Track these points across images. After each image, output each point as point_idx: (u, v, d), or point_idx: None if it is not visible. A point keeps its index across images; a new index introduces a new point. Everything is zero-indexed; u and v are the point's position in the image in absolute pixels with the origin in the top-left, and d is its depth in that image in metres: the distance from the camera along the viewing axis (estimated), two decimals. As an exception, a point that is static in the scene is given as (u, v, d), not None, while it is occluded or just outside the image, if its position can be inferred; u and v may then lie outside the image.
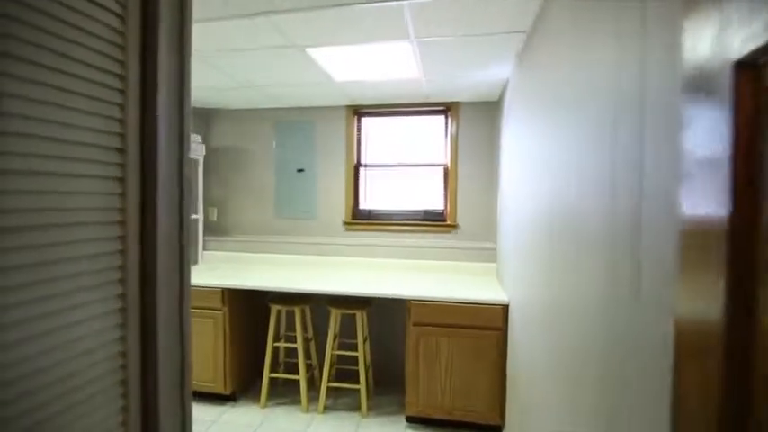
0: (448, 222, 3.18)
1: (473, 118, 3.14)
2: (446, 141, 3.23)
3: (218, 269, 3.21)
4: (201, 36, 1.95)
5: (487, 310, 2.37)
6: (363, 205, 3.36)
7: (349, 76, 2.55)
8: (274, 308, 2.78)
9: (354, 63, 2.32)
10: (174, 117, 0.83)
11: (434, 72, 2.47)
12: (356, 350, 2.72)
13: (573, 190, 1.13)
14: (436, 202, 3.25)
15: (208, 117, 3.58)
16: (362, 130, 3.35)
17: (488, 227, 3.12)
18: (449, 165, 3.19)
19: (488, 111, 3.11)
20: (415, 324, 2.46)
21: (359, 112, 3.31)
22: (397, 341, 3.13)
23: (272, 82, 2.71)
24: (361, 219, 3.33)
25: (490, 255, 3.06)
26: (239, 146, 3.54)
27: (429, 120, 3.27)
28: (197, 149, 3.25)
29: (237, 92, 2.96)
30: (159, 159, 0.78)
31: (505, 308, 2.36)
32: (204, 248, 3.51)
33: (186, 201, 0.87)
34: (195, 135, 3.23)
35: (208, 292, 2.73)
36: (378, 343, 3.16)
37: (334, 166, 3.35)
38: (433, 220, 3.22)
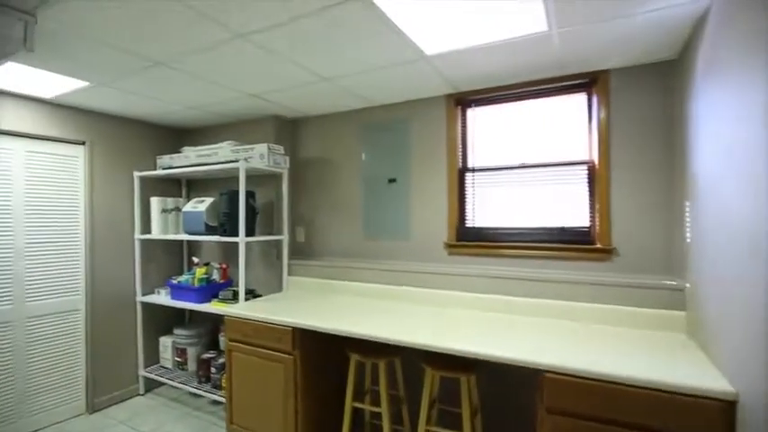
0: (598, 245, 2.17)
1: (633, 91, 2.11)
2: (590, 129, 2.25)
3: (300, 300, 2.75)
4: (262, 14, 1.47)
5: (690, 406, 1.35)
6: (471, 222, 2.56)
7: (443, 44, 1.84)
8: (354, 358, 2.15)
9: (448, 20, 1.60)
10: None
11: (572, 17, 1.59)
12: (461, 428, 1.92)
13: None
14: (578, 216, 2.27)
15: (293, 127, 3.24)
16: (468, 125, 2.58)
17: (668, 253, 2.02)
18: (596, 162, 2.20)
19: (659, 77, 2.05)
20: (550, 411, 1.56)
21: (462, 101, 2.56)
22: (523, 422, 2.21)
23: (349, 68, 2.14)
24: (468, 240, 2.53)
25: (675, 298, 1.95)
26: (324, 156, 3.09)
27: (563, 101, 2.33)
28: (280, 161, 2.89)
29: (315, 88, 2.48)
30: None
31: (730, 406, 1.30)
32: (289, 273, 3.12)
33: None
34: (277, 145, 2.88)
35: (277, 330, 2.25)
36: (494, 419, 2.29)
37: (433, 173, 2.63)
38: (574, 242, 2.25)
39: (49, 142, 2.78)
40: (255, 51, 1.91)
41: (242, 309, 2.47)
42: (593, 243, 2.21)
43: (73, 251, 2.90)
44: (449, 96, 2.57)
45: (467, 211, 2.57)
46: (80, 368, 2.94)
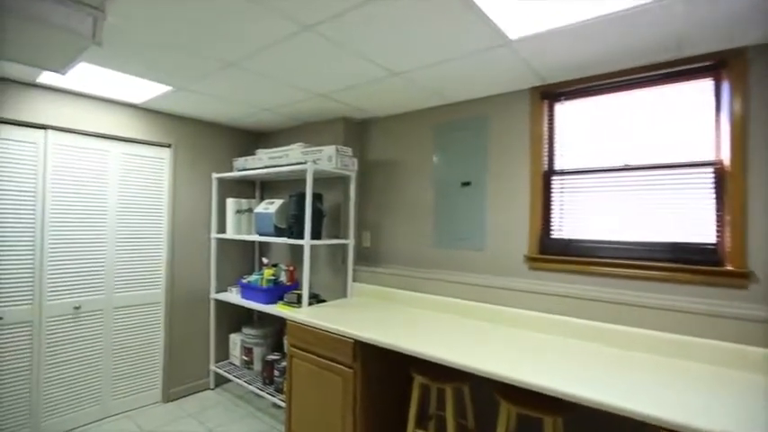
0: (728, 268, 1.73)
1: (785, 72, 1.65)
2: (718, 123, 1.81)
3: (363, 309, 2.61)
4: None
5: None
6: (558, 232, 2.23)
7: (531, 25, 1.58)
8: (418, 380, 1.95)
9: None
10: None
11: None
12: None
13: None
14: (699, 231, 1.84)
15: (362, 129, 3.14)
16: (556, 121, 2.26)
17: (837, 282, 1.53)
18: (726, 164, 1.76)
19: (828, 51, 1.57)
20: (669, 479, 1.21)
21: (550, 94, 2.25)
22: (619, 467, 1.83)
23: (422, 59, 1.97)
24: (553, 253, 2.20)
25: None
26: (393, 158, 2.94)
27: (678, 89, 1.92)
28: (348, 164, 2.80)
29: (385, 85, 2.34)
30: None
31: None
32: (354, 279, 3.01)
33: None
34: (346, 147, 2.79)
35: (338, 341, 2.13)
36: (582, 459, 1.93)
37: (513, 176, 2.35)
38: (693, 262, 1.82)
39: (140, 145, 2.99)
40: (323, 45, 1.81)
41: (304, 314, 2.39)
42: (720, 264, 1.77)
43: (156, 247, 3.08)
44: (534, 90, 2.27)
45: (552, 219, 2.24)
46: (158, 358, 3.10)
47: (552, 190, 2.25)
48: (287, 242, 2.80)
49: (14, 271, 2.44)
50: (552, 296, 2.12)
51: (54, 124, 2.55)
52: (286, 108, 2.86)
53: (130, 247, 2.94)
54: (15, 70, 2.23)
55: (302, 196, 2.77)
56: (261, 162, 3.17)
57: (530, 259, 2.26)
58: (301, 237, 2.71)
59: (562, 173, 2.22)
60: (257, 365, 3.19)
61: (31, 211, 2.49)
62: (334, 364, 2.13)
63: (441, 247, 2.64)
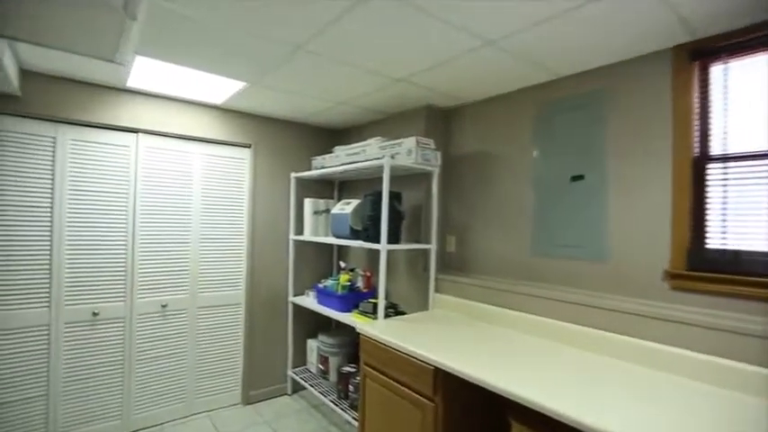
0: None
1: None
2: None
3: (447, 326, 2.25)
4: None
5: None
6: (718, 241, 1.62)
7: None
8: (517, 429, 1.52)
9: None
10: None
11: None
12: None
13: None
14: None
15: (447, 118, 2.77)
16: (712, 88, 1.65)
17: None
18: None
19: None
20: None
21: (703, 52, 1.64)
22: None
23: (523, 19, 1.54)
24: (709, 269, 1.60)
25: None
26: (484, 150, 2.52)
27: None
28: (430, 158, 2.46)
29: (475, 59, 1.95)
30: None
31: None
32: (437, 289, 2.65)
33: None
34: (427, 139, 2.46)
35: (416, 366, 1.80)
36: None
37: (646, 165, 1.78)
38: None
39: (222, 146, 2.99)
40: (399, 11, 1.50)
41: (378, 329, 2.11)
42: None
43: (237, 248, 3.07)
44: (678, 49, 1.69)
45: (708, 223, 1.64)
46: (239, 360, 3.08)
47: (708, 183, 1.64)
48: (362, 246, 2.55)
49: (110, 269, 2.55)
50: (709, 330, 1.53)
51: (144, 127, 2.63)
52: (363, 99, 2.62)
53: (213, 248, 2.95)
54: (105, 75, 2.32)
55: (379, 196, 2.49)
56: (338, 160, 2.98)
57: (672, 276, 1.68)
58: (377, 240, 2.43)
59: (724, 159, 1.60)
60: (333, 376, 3.01)
61: (124, 213, 2.59)
62: (413, 393, 1.80)
63: (541, 255, 2.16)
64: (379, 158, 2.49)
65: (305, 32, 1.70)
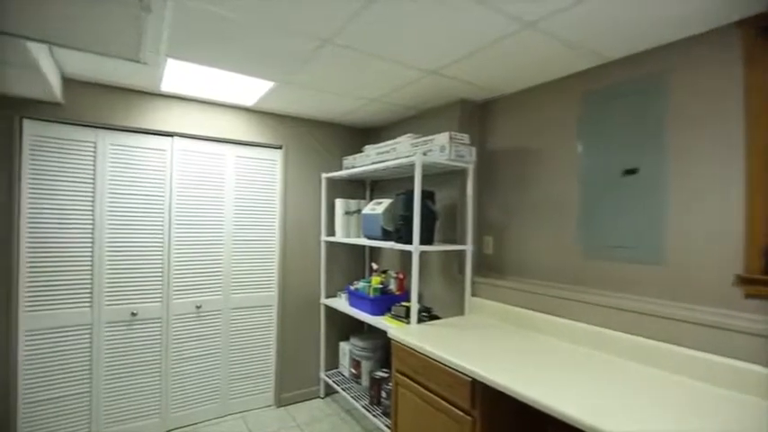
0: None
1: None
2: None
3: (485, 333, 2.11)
4: None
5: None
6: (804, 242, 1.39)
7: None
8: (562, 448, 1.38)
9: None
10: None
11: None
12: None
13: None
14: None
15: (483, 112, 2.62)
16: (799, 65, 1.42)
17: None
18: None
19: None
20: None
21: (787, 23, 1.42)
22: None
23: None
24: (796, 274, 1.38)
25: None
26: (523, 144, 2.36)
27: None
28: (464, 154, 2.33)
29: (512, 44, 1.81)
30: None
31: None
32: (473, 293, 2.51)
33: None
34: (461, 134, 2.33)
35: (452, 376, 1.68)
36: None
37: (715, 155, 1.58)
38: None
39: (253, 147, 3.00)
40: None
41: (411, 334, 2.01)
42: None
43: (269, 249, 3.06)
44: (750, 22, 1.48)
45: (792, 220, 1.42)
46: (271, 361, 3.08)
47: (791, 174, 1.42)
48: (393, 247, 2.46)
49: (147, 270, 2.60)
50: (798, 344, 1.31)
51: (179, 131, 2.67)
52: (394, 95, 2.53)
53: (245, 249, 2.96)
54: (140, 80, 2.36)
55: (410, 195, 2.39)
56: (368, 159, 2.91)
57: (747, 281, 1.47)
58: (409, 241, 2.33)
59: (812, 146, 1.38)
60: (365, 380, 2.93)
61: (160, 215, 2.64)
62: (449, 406, 1.69)
63: (588, 257, 1.97)
64: (410, 156, 2.39)
65: (332, 24, 1.63)
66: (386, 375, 2.69)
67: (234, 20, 1.60)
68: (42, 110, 2.29)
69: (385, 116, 3.06)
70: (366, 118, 3.14)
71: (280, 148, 3.10)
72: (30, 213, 2.28)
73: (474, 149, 2.40)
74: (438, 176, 2.73)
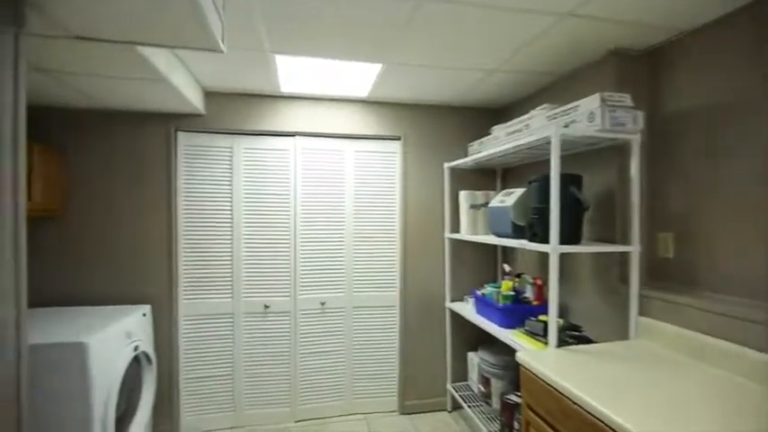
0: None
1: None
2: None
3: (662, 369, 1.50)
4: None
5: None
6: None
7: None
8: None
9: None
10: None
11: None
12: None
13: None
14: None
15: (649, 64, 1.90)
16: None
17: None
18: None
19: None
20: None
21: None
22: None
23: None
24: None
25: None
26: (720, 102, 1.59)
27: None
28: (624, 120, 1.71)
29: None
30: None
31: None
32: (642, 311, 1.84)
33: None
34: (620, 94, 1.71)
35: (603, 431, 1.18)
36: None
37: None
38: None
39: (371, 141, 2.87)
40: None
41: (546, 362, 1.54)
42: None
43: (390, 246, 2.91)
44: None
45: None
46: (395, 365, 2.92)
47: None
48: (524, 247, 1.98)
49: (276, 265, 2.73)
50: None
51: (300, 130, 2.72)
52: (519, 58, 2.04)
53: (366, 246, 2.87)
54: (261, 83, 2.45)
55: (547, 181, 1.87)
56: (496, 142, 2.47)
57: None
58: (545, 239, 1.82)
59: None
60: (495, 402, 2.50)
61: (287, 212, 2.73)
62: (596, 474, 1.19)
63: None
64: (543, 132, 1.88)
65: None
66: (519, 401, 2.22)
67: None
68: (191, 122, 2.58)
69: (513, 89, 2.56)
70: (490, 95, 2.69)
71: (398, 139, 2.91)
72: (184, 215, 2.60)
73: (641, 114, 1.74)
74: (587, 155, 2.12)
